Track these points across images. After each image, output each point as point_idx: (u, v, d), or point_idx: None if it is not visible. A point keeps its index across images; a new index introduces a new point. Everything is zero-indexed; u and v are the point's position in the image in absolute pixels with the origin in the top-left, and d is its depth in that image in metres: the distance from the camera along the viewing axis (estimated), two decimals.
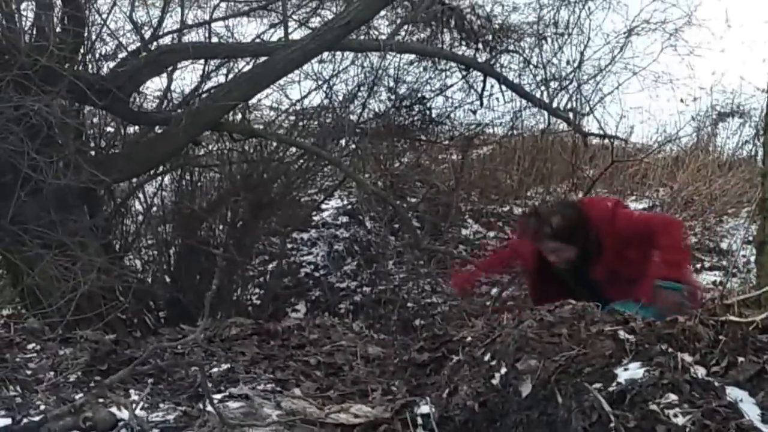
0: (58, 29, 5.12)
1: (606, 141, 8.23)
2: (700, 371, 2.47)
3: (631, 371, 2.45)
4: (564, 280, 4.05)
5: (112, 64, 5.76)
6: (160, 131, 5.90)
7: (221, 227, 6.62)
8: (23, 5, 5.20)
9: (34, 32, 5.16)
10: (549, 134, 8.55)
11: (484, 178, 8.50)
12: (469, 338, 2.94)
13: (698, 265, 7.42)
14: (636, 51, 8.27)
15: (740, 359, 2.51)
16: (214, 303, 5.30)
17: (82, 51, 5.52)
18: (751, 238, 6.95)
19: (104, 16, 5.76)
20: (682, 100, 9.12)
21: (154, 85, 6.35)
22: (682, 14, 8.24)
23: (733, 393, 2.37)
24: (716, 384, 2.39)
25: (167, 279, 6.44)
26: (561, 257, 3.92)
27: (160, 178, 6.58)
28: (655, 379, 2.38)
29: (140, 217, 6.67)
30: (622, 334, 2.61)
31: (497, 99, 8.11)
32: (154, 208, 6.72)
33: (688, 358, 2.52)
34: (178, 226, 6.52)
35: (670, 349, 2.54)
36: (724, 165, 9.19)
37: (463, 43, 7.88)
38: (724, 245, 7.75)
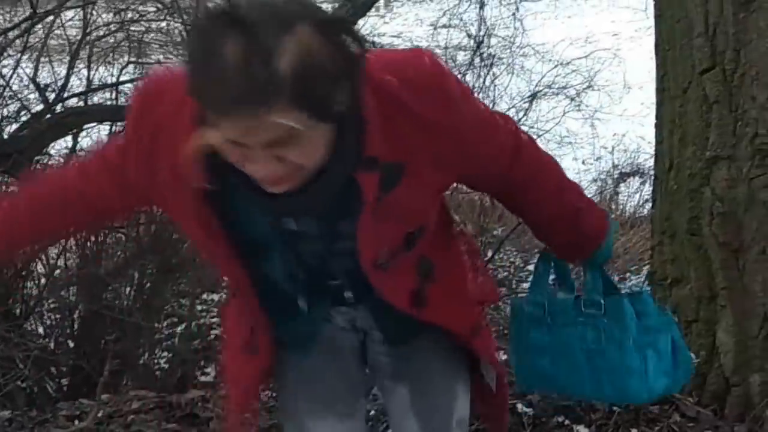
0: None
1: None
2: None
3: None
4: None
5: (14, 127, 5.65)
6: None
7: (128, 290, 6.46)
8: None
9: None
10: (458, 194, 8.69)
11: None
12: None
13: None
14: (540, 114, 8.59)
15: (633, 431, 2.59)
16: (119, 370, 5.20)
17: None
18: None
19: (7, 77, 5.66)
20: (583, 162, 9.44)
21: (60, 146, 6.25)
22: (582, 79, 8.65)
23: None
24: None
25: (71, 344, 6.24)
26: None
27: (63, 240, 6.41)
28: None
29: (42, 281, 6.47)
30: (520, 407, 2.67)
31: None
32: (58, 272, 6.54)
33: (584, 430, 2.59)
34: (83, 289, 6.34)
35: (567, 422, 2.61)
36: (626, 223, 9.47)
37: None
38: None
